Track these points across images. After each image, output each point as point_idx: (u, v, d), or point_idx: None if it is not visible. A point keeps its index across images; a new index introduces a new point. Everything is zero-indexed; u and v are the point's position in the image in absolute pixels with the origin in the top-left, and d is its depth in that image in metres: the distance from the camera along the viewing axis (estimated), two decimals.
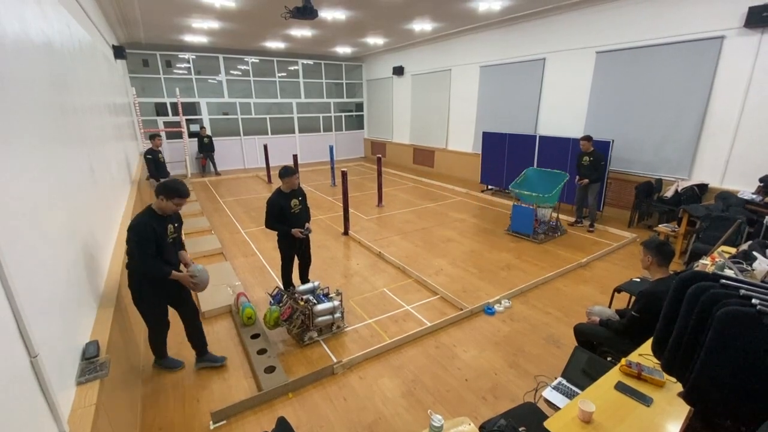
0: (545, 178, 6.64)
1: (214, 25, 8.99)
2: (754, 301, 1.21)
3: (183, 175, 12.04)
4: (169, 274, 2.84)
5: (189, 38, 10.75)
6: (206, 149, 12.30)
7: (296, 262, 4.38)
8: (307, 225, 4.12)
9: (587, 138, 6.44)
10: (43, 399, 1.47)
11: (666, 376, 1.94)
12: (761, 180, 5.35)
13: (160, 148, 6.83)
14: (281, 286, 4.27)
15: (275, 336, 3.74)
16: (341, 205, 6.73)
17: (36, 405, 1.42)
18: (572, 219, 7.16)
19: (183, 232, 6.60)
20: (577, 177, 6.61)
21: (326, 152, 12.06)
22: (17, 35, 1.94)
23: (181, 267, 3.07)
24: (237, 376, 3.25)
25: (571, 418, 1.77)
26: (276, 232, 4.09)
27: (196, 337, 3.27)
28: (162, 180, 2.88)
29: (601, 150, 6.64)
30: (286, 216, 3.98)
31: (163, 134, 12.05)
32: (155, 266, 2.78)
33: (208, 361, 3.33)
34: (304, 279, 4.48)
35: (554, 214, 6.63)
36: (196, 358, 3.34)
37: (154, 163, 6.70)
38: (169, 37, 10.61)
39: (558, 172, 6.53)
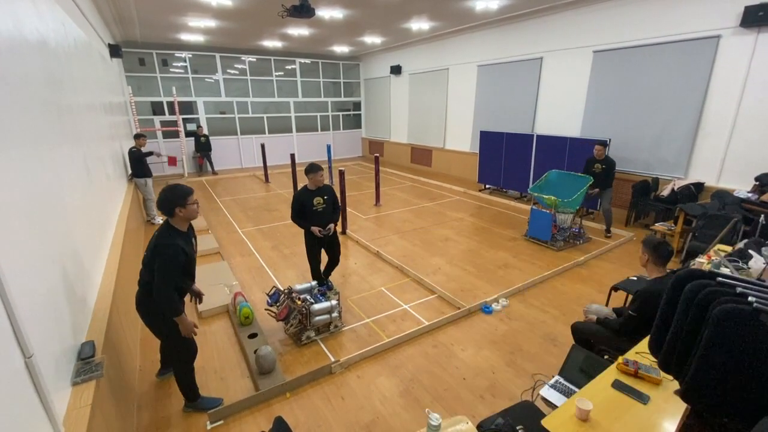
0: (568, 182, 6.17)
1: (210, 23, 8.95)
2: (750, 299, 1.21)
3: (180, 174, 12.00)
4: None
5: (185, 37, 10.70)
6: (203, 148, 12.26)
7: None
8: (329, 226, 4.11)
9: (603, 143, 6.13)
10: (38, 400, 1.46)
11: (663, 374, 1.94)
12: (757, 179, 5.37)
13: (143, 149, 6.86)
14: (279, 286, 4.26)
15: (273, 335, 3.73)
16: (339, 204, 6.70)
17: (31, 406, 1.41)
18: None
19: None
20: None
21: (324, 151, 12.02)
22: (10, 33, 1.92)
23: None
24: (234, 375, 3.23)
25: (568, 417, 1.77)
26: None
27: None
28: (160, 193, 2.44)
29: None
30: (308, 213, 4.02)
31: (159, 133, 12.02)
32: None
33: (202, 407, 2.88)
34: (327, 275, 4.51)
35: (577, 220, 6.19)
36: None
37: (139, 160, 6.72)
38: (165, 35, 10.55)
39: (581, 176, 6.05)
